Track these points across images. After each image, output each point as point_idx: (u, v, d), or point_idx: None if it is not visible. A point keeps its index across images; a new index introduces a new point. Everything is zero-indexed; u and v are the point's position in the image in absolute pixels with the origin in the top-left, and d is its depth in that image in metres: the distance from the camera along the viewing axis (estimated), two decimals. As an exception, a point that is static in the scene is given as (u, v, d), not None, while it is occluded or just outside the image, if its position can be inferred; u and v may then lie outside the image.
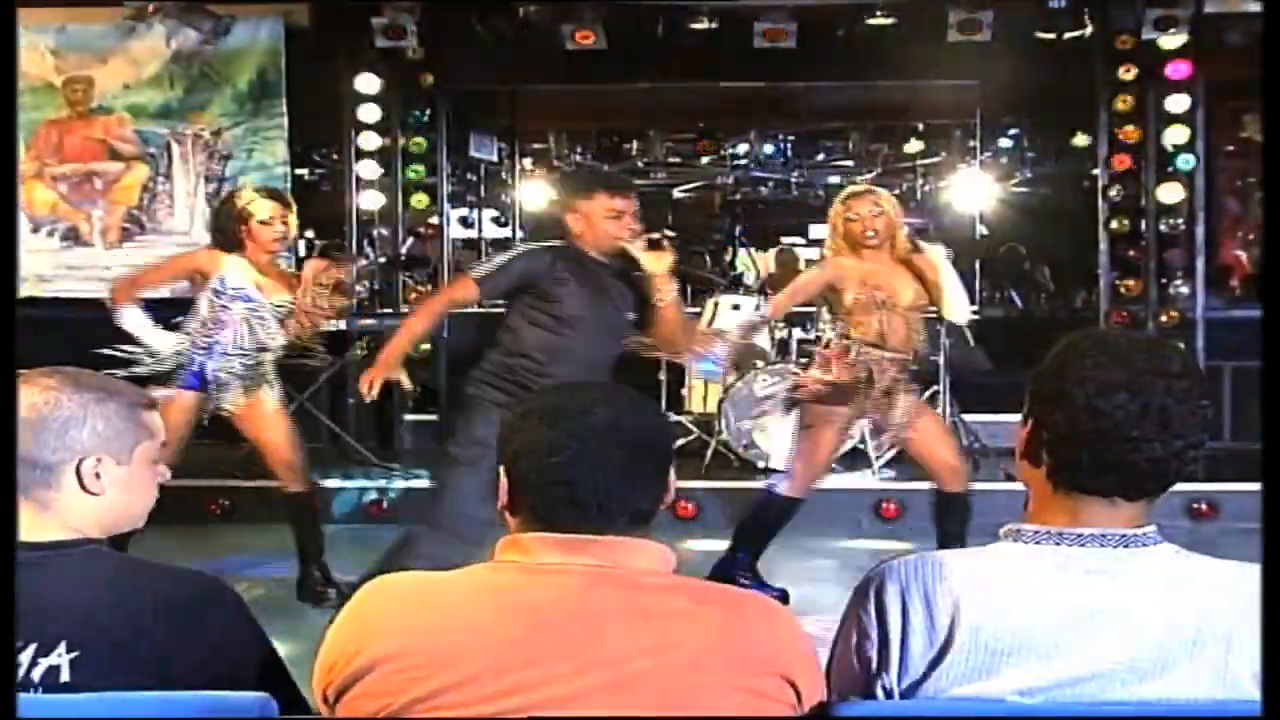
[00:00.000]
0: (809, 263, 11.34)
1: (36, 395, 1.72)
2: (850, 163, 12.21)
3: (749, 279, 9.28)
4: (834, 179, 12.72)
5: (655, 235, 4.03)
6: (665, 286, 4.01)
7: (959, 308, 4.68)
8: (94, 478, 1.73)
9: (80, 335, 7.62)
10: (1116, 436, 1.56)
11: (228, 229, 4.80)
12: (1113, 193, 7.32)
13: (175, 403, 4.66)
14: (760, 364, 6.93)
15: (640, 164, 11.56)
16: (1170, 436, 1.56)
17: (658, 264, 3.98)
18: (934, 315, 4.94)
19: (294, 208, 4.86)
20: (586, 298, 4.04)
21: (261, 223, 4.71)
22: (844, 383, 4.65)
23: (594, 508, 1.60)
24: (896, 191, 12.64)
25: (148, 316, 4.74)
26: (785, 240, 13.21)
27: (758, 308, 6.98)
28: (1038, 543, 1.61)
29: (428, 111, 7.73)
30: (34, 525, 1.70)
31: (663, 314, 4.09)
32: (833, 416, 4.71)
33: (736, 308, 7.18)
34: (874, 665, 1.61)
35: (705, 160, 12.15)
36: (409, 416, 7.65)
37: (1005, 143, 11.49)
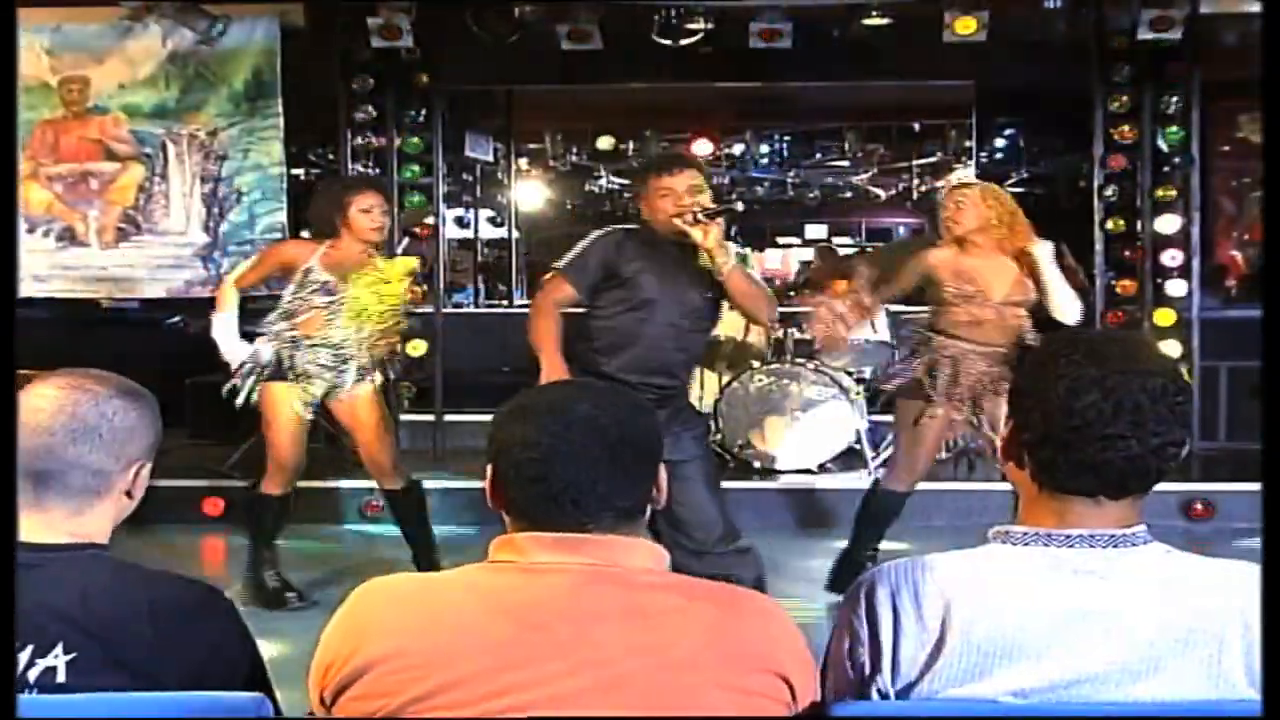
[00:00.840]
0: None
1: (105, 404, 1.71)
2: (846, 163, 12.24)
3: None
4: (830, 179, 12.75)
5: (695, 210, 4.00)
6: (720, 257, 3.96)
7: (1066, 308, 4.65)
8: (135, 484, 1.75)
9: (76, 335, 7.68)
10: (1091, 436, 1.56)
11: (325, 215, 4.74)
12: (1108, 193, 7.32)
13: (272, 396, 4.67)
14: (756, 364, 6.92)
15: (635, 164, 11.57)
16: (1146, 434, 1.56)
17: (705, 237, 3.94)
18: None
19: (392, 200, 4.82)
20: (657, 280, 4.01)
21: (362, 211, 4.67)
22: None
23: (569, 503, 1.59)
24: (893, 191, 12.77)
25: (233, 324, 4.68)
26: (781, 240, 13.24)
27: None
28: (1026, 544, 1.61)
29: (423, 111, 7.70)
30: (48, 527, 1.68)
31: (730, 285, 4.04)
32: (929, 411, 4.72)
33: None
34: (867, 669, 1.60)
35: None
36: (404, 416, 7.64)
37: (1001, 143, 11.52)
